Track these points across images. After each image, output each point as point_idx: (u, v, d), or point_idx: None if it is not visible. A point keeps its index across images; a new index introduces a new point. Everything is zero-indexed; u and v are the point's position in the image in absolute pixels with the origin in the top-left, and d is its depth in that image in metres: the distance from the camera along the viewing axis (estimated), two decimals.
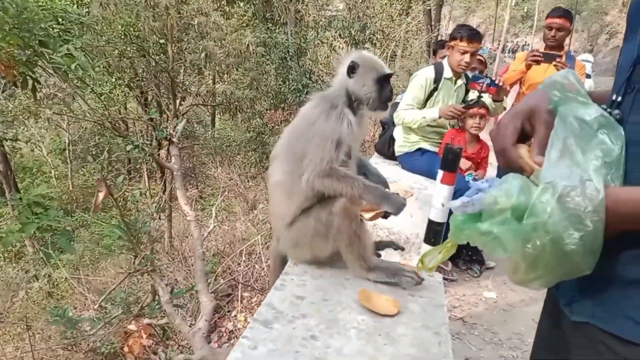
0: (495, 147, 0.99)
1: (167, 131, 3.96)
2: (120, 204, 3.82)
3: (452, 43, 3.63)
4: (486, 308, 3.37)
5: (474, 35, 3.51)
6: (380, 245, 2.10)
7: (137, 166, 11.36)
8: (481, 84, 3.38)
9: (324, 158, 1.71)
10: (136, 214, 3.71)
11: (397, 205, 1.74)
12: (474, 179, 3.38)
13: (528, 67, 3.96)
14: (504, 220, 0.84)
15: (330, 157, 1.71)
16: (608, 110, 0.89)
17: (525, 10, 33.01)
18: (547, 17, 4.13)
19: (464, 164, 3.44)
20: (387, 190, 1.80)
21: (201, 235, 3.63)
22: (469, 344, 2.93)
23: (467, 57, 3.49)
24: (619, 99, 0.89)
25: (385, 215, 1.82)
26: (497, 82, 3.47)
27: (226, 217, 8.23)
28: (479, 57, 4.25)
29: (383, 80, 1.85)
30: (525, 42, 30.26)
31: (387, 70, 1.87)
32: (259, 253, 5.39)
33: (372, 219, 1.86)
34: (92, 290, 6.60)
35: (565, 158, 0.82)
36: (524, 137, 0.97)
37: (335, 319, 1.57)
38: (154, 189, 9.78)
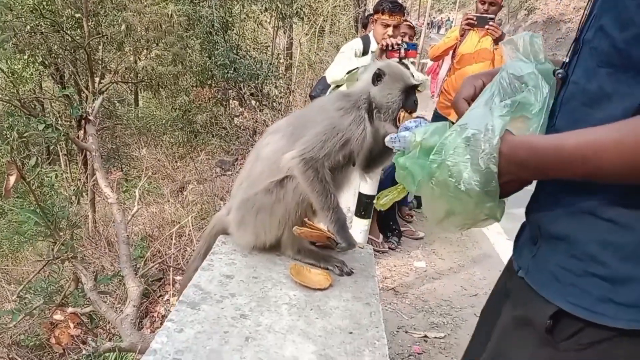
0: (455, 100, 1.05)
1: (82, 109, 3.69)
2: (35, 188, 3.56)
3: (375, 17, 3.62)
4: (416, 277, 3.47)
5: (395, 8, 3.51)
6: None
7: (54, 149, 10.64)
8: (398, 52, 3.27)
9: (323, 148, 1.62)
10: (53, 198, 3.45)
11: (348, 243, 1.69)
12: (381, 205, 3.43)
13: (462, 33, 4.05)
14: (414, 155, 0.91)
15: (330, 151, 1.62)
16: (561, 70, 0.94)
17: None
18: None
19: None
20: (347, 224, 1.74)
21: (125, 218, 3.46)
22: (401, 313, 3.00)
23: (389, 30, 3.49)
24: (567, 60, 0.94)
25: (326, 246, 1.80)
26: (414, 43, 3.42)
27: (154, 200, 7.93)
28: (406, 22, 4.25)
29: (409, 91, 1.76)
30: (449, 17, 31.05)
31: (415, 81, 1.79)
32: (190, 235, 5.24)
33: (308, 234, 1.74)
34: (12, 282, 6.19)
35: (486, 107, 0.87)
36: None
37: (265, 296, 1.53)
38: (74, 173, 9.23)
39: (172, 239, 5.39)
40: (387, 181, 3.41)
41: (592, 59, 0.85)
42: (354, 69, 3.37)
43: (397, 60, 3.38)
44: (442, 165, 0.85)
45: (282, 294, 1.56)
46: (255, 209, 1.71)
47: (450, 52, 4.50)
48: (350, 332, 1.42)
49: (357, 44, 3.61)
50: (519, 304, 0.95)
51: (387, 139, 1.04)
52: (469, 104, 0.98)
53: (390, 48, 3.22)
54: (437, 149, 0.86)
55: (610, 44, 0.81)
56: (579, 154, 0.77)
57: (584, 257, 0.83)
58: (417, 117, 1.23)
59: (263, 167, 1.74)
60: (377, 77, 1.75)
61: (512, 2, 26.37)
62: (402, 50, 3.23)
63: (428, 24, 27.53)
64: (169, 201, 7.47)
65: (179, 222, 5.77)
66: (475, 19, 3.93)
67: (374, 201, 1.34)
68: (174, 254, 5.13)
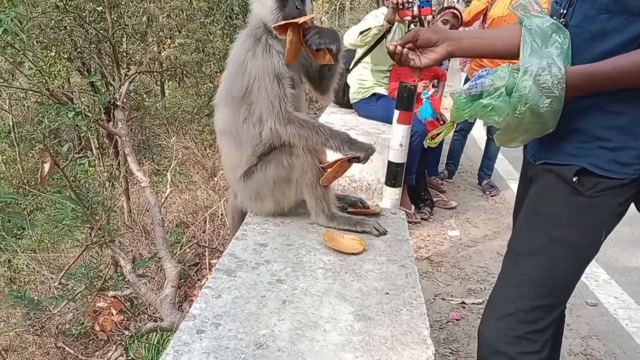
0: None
1: (110, 95, 3.73)
2: (69, 176, 3.63)
3: None
4: (451, 246, 3.42)
5: None
6: (347, 200, 2.02)
7: (85, 137, 10.84)
8: (411, 10, 3.02)
9: (273, 100, 1.61)
10: (87, 184, 3.52)
11: (365, 149, 1.63)
12: (428, 98, 3.36)
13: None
14: (499, 95, 1.19)
15: (279, 97, 1.62)
16: (557, 19, 1.26)
17: None
18: None
19: (418, 88, 3.32)
20: (351, 136, 1.69)
21: (158, 201, 3.51)
22: (437, 281, 2.98)
23: None
24: (564, 11, 1.25)
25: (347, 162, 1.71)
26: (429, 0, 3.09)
27: (186, 187, 8.04)
28: (453, 10, 4.12)
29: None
30: None
31: None
32: (223, 218, 5.30)
33: (333, 174, 1.74)
34: (54, 272, 6.39)
35: (534, 52, 1.17)
36: None
37: (300, 262, 1.54)
38: (106, 161, 9.43)
39: (205, 224, 5.47)
40: (416, 150, 3.37)
41: (593, 8, 1.16)
42: (366, 30, 3.28)
43: (410, 19, 3.19)
44: (523, 98, 1.14)
45: (317, 259, 1.56)
46: (271, 182, 1.72)
47: (482, 16, 4.39)
48: (387, 293, 1.41)
49: (380, 10, 3.51)
50: (546, 177, 1.32)
51: (465, 86, 1.27)
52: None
53: (401, 7, 3.04)
54: (516, 88, 1.15)
55: None
56: (617, 74, 1.14)
57: (593, 138, 1.21)
58: (484, 68, 1.33)
59: (229, 143, 1.76)
60: None
61: None
62: (415, 8, 3.05)
63: None
64: (200, 187, 7.56)
65: (212, 207, 5.84)
66: None
67: (425, 141, 1.60)
68: (209, 237, 5.20)
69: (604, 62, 1.14)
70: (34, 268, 6.08)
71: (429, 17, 3.28)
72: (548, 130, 1.22)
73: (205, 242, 5.02)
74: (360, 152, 1.63)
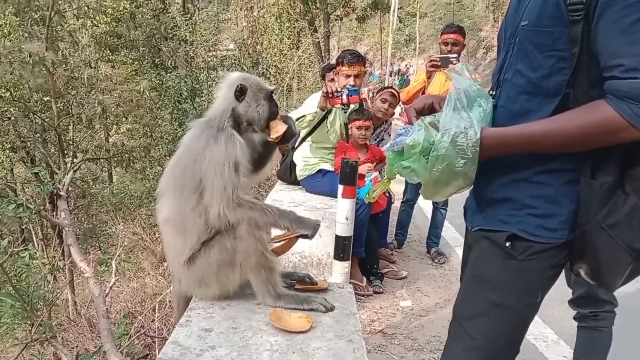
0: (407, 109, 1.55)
1: (53, 185, 3.65)
2: (9, 271, 3.45)
3: (337, 69, 3.77)
4: (404, 316, 3.42)
5: (354, 59, 3.67)
6: (294, 277, 2.05)
7: (27, 228, 10.40)
8: (340, 98, 3.28)
9: (227, 185, 1.66)
10: (28, 278, 3.34)
11: (312, 227, 1.73)
12: (371, 181, 3.46)
13: (429, 75, 4.18)
14: (416, 158, 1.27)
15: (233, 183, 1.67)
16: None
17: (407, 34, 35.16)
18: (441, 34, 4.34)
19: (362, 169, 3.46)
20: (298, 214, 1.78)
21: (103, 292, 3.37)
22: (391, 354, 2.94)
23: (351, 80, 3.62)
24: (493, 92, 1.39)
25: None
26: (355, 88, 3.41)
27: (134, 274, 7.75)
28: (391, 90, 4.41)
29: (271, 97, 1.86)
30: (408, 64, 32.02)
31: (270, 87, 1.90)
32: (172, 304, 5.11)
33: (282, 248, 1.82)
34: None
35: (455, 113, 1.25)
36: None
37: (246, 345, 1.51)
38: (51, 253, 9.02)
39: (155, 312, 5.24)
40: (363, 223, 3.44)
41: (513, 90, 1.30)
42: (301, 117, 3.47)
43: (340, 106, 3.44)
44: (440, 157, 1.23)
45: (263, 341, 1.54)
46: (215, 266, 1.72)
47: (420, 94, 4.66)
48: None
49: (320, 94, 3.71)
50: (482, 243, 1.39)
51: (387, 145, 1.37)
52: (417, 113, 1.43)
53: (331, 95, 3.28)
54: (434, 148, 1.23)
55: (527, 80, 1.27)
56: (526, 139, 1.23)
57: (523, 207, 1.30)
58: (405, 125, 1.44)
59: (172, 232, 1.77)
60: (241, 92, 1.80)
61: (471, 42, 27.68)
62: (344, 96, 3.29)
63: (390, 72, 28.46)
64: (149, 274, 7.31)
65: (161, 294, 5.63)
66: (439, 60, 4.07)
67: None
68: (159, 327, 4.97)
69: (516, 127, 1.25)
70: None
71: (370, 94, 3.49)
72: (465, 186, 1.32)
73: (154, 332, 4.79)
74: (308, 230, 1.73)
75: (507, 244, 1.31)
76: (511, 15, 1.36)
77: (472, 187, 1.39)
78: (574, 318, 2.37)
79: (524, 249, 1.30)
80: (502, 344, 1.38)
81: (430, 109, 1.44)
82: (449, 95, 1.29)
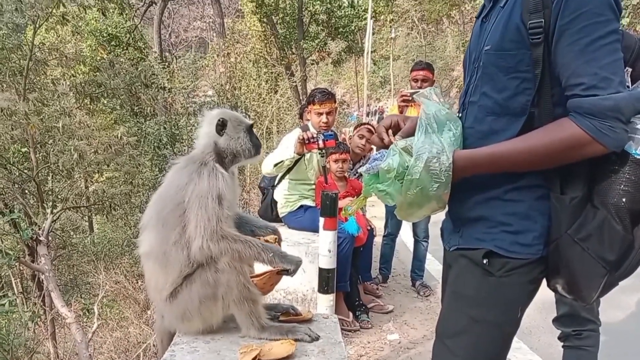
0: (377, 127, 1.57)
1: (32, 230, 3.62)
2: None
3: (309, 107, 3.86)
4: (392, 350, 3.40)
5: (324, 97, 3.77)
6: (278, 309, 2.05)
7: (6, 277, 10.14)
8: (316, 143, 3.43)
9: (211, 218, 1.68)
10: (7, 325, 3.24)
11: (295, 263, 1.77)
12: (353, 214, 3.48)
13: (401, 110, 4.30)
14: (391, 182, 1.32)
15: (217, 216, 1.69)
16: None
17: (381, 75, 35.93)
18: (411, 71, 4.51)
19: (341, 203, 3.50)
20: (282, 250, 1.81)
21: (85, 338, 3.30)
22: None
23: (323, 118, 3.71)
24: (459, 114, 1.44)
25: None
26: (330, 133, 3.54)
27: (117, 324, 7.56)
28: (368, 126, 4.53)
29: (251, 130, 1.93)
30: (383, 105, 32.68)
31: (250, 120, 1.98)
32: (157, 352, 4.99)
33: (263, 284, 1.82)
34: None
35: (427, 138, 1.30)
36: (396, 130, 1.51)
37: None
38: (31, 302, 8.78)
39: None
40: (346, 256, 3.46)
41: (481, 112, 1.36)
42: (279, 162, 3.55)
43: (317, 151, 3.54)
44: (414, 182, 1.28)
45: None
46: (197, 301, 1.73)
47: None
48: None
49: (296, 134, 3.78)
50: (460, 261, 1.43)
51: (363, 169, 1.41)
52: (386, 130, 1.50)
53: (307, 141, 3.41)
54: (408, 172, 1.28)
55: (493, 102, 1.32)
56: (496, 159, 1.28)
57: (497, 224, 1.34)
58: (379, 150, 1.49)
59: (154, 266, 1.78)
60: (222, 125, 1.86)
61: (444, 81, 28.42)
62: (320, 141, 3.40)
63: (367, 112, 28.98)
64: (133, 323, 7.13)
65: (146, 342, 5.50)
66: (409, 95, 4.23)
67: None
68: None
69: (485, 148, 1.30)
70: None
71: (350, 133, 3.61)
72: (439, 209, 1.38)
73: None
74: (290, 265, 1.76)
75: (485, 261, 1.35)
76: (474, 41, 1.44)
77: (446, 209, 1.43)
78: (559, 338, 2.40)
79: (501, 265, 1.34)
80: (487, 359, 1.40)
81: (397, 127, 1.50)
82: (419, 120, 1.34)
